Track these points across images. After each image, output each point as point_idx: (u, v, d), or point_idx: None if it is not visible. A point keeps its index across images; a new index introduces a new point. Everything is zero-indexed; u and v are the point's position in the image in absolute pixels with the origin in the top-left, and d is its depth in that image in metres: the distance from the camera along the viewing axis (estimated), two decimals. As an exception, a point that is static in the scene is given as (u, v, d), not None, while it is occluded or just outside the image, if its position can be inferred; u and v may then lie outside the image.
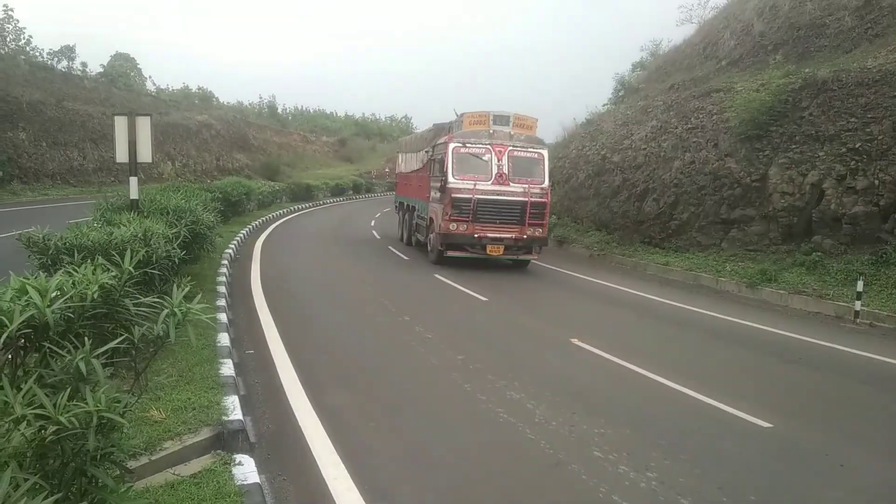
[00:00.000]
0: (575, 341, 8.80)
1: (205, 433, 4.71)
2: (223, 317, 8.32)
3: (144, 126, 9.03)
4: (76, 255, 5.02)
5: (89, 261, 3.93)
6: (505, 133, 15.42)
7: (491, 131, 15.34)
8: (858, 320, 11.38)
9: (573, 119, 33.84)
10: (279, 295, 11.06)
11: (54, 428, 2.53)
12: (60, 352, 2.93)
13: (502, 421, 5.74)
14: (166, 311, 3.18)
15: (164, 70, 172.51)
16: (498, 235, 15.05)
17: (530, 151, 15.45)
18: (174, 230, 7.90)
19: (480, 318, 10.54)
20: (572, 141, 27.96)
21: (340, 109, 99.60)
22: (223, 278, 11.29)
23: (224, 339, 7.25)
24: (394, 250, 18.82)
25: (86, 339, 2.96)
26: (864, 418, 6.64)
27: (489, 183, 14.96)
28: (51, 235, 5.97)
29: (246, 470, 4.32)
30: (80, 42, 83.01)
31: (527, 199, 14.91)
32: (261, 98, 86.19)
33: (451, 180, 14.90)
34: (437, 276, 14.18)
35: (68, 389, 2.72)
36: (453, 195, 14.76)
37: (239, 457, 4.51)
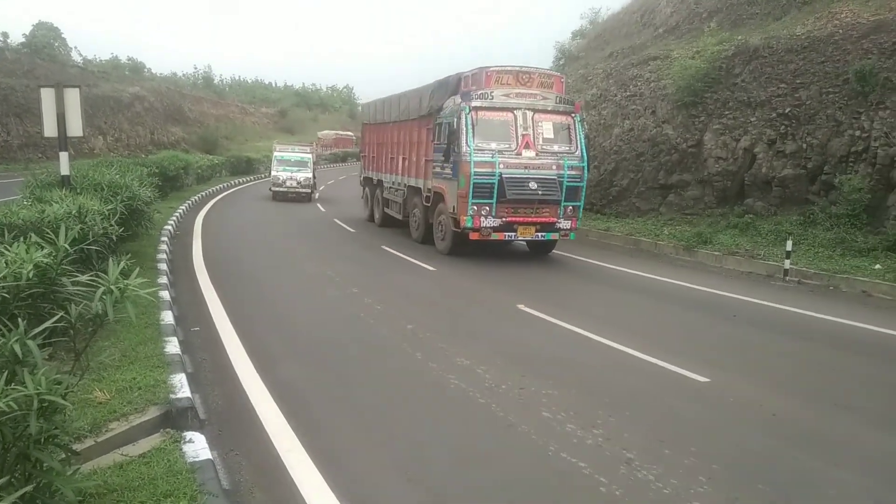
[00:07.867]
0: (521, 307, 8.97)
1: (152, 412, 4.63)
2: (165, 294, 8.10)
3: (73, 98, 8.63)
4: (6, 234, 4.81)
5: (21, 239, 3.78)
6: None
7: None
8: (788, 278, 11.94)
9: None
10: (223, 271, 10.84)
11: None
12: (-5, 334, 2.83)
13: (453, 387, 5.84)
14: (102, 288, 3.09)
15: (90, 41, 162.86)
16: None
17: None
18: (110, 206, 7.63)
19: (428, 287, 10.60)
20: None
21: (280, 80, 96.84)
22: (164, 255, 10.98)
23: (168, 316, 7.07)
24: (339, 222, 18.62)
25: (19, 319, 2.86)
26: (793, 369, 7.02)
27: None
28: (-24, 215, 5.69)
29: (197, 447, 4.27)
30: (-3, 10, 77.49)
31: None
32: (196, 68, 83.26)
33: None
34: (383, 247, 14.14)
35: (5, 373, 2.63)
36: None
37: (189, 434, 4.45)
